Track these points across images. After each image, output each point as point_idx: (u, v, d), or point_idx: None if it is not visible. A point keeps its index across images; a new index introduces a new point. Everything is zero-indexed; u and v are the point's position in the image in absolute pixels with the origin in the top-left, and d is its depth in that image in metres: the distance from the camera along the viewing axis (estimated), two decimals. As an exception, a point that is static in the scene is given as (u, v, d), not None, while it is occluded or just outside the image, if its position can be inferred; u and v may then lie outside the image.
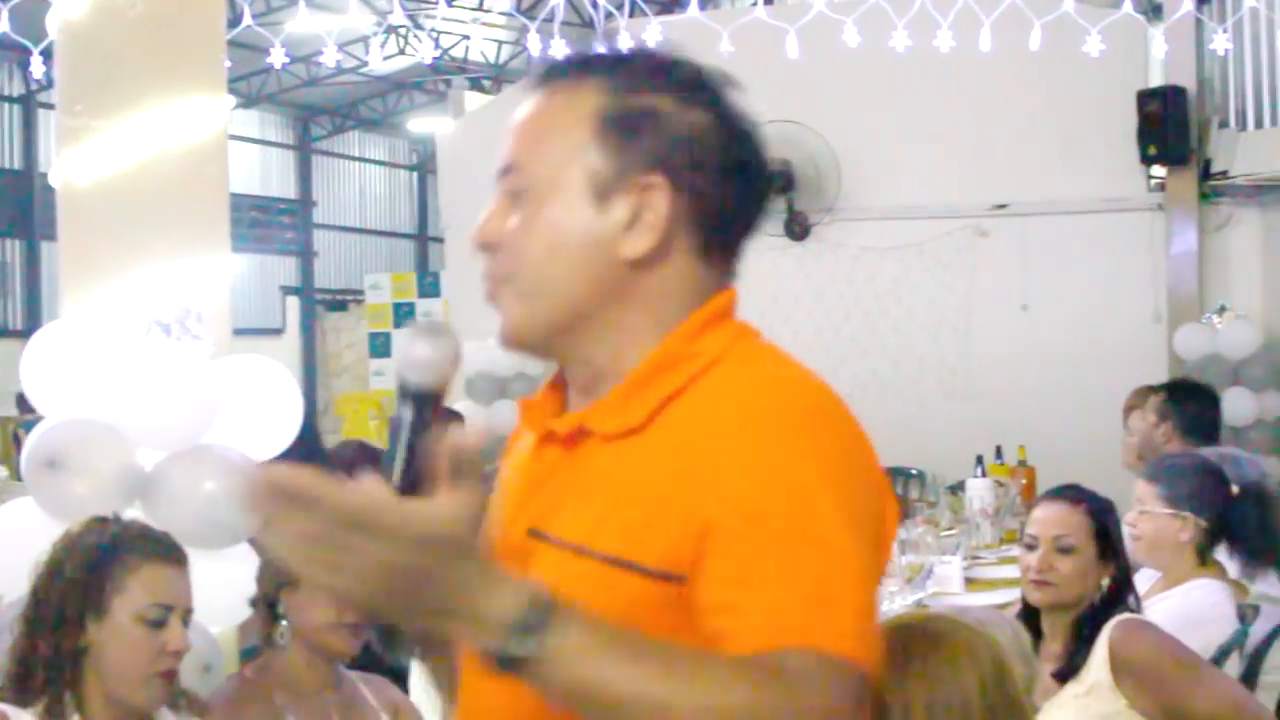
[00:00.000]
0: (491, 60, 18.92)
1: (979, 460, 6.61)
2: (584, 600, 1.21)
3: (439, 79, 20.10)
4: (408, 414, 1.34)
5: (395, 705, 3.04)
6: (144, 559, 2.58)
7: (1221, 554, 3.83)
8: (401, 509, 1.16)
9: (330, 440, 9.77)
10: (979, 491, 6.04)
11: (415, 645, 1.51)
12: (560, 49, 6.40)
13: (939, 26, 6.58)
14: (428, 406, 1.35)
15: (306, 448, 4.32)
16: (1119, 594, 3.23)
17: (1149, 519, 3.72)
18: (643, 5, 6.43)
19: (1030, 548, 3.28)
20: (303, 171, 22.59)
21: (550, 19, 6.55)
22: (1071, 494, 3.36)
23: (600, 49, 1.50)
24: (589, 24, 9.67)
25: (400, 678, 3.19)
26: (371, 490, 1.16)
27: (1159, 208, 8.64)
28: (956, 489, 6.60)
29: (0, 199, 17.47)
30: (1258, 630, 3.74)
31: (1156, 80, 8.52)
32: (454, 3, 15.74)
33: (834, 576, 1.27)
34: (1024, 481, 6.58)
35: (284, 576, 2.93)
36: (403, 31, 17.44)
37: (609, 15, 7.00)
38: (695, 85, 1.46)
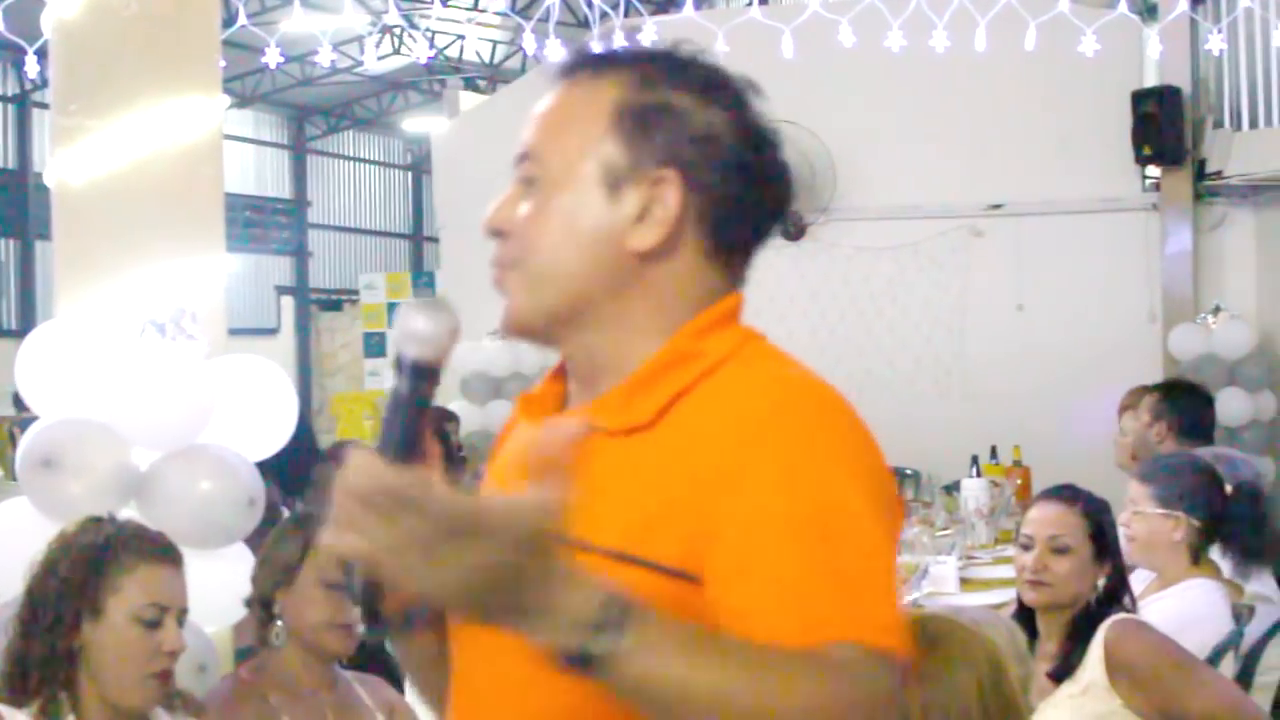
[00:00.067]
0: (486, 60, 18.90)
1: (974, 460, 6.61)
2: None
3: (434, 79, 20.09)
4: (404, 387, 1.34)
5: (391, 705, 3.04)
6: (139, 559, 2.57)
7: (1216, 554, 3.83)
8: (501, 508, 1.15)
9: (325, 440, 9.78)
10: (974, 492, 6.04)
11: (398, 623, 1.49)
12: (555, 49, 6.41)
13: (934, 27, 6.58)
14: (424, 380, 1.34)
15: (301, 448, 4.33)
16: (1114, 594, 3.24)
17: (1142, 519, 3.72)
18: (638, 5, 6.43)
19: (1026, 548, 3.29)
20: (297, 171, 22.57)
21: (545, 19, 6.55)
22: (1067, 494, 3.36)
23: (624, 45, 1.50)
24: (584, 24, 9.66)
25: (396, 678, 3.19)
26: (469, 490, 1.15)
27: (1154, 208, 8.64)
28: (951, 489, 6.60)
29: (-5, 199, 17.47)
30: (1253, 630, 3.74)
31: (1151, 80, 8.52)
32: (449, 2, 15.75)
33: (868, 569, 1.28)
34: (1019, 481, 6.58)
35: (280, 576, 2.93)
36: (398, 31, 17.44)
37: (604, 15, 7.00)
38: (716, 86, 1.46)
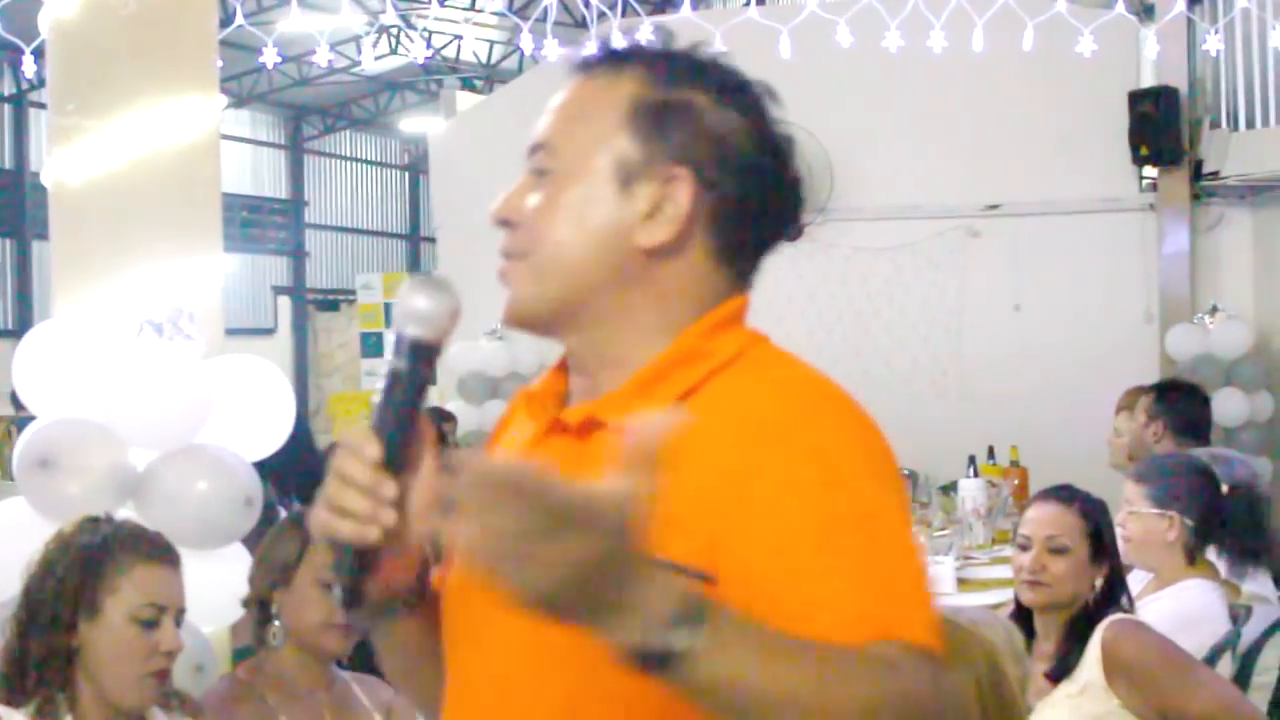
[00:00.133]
0: (484, 60, 18.90)
1: (971, 460, 6.61)
2: None
3: (431, 79, 20.09)
4: (403, 366, 1.33)
5: (388, 705, 3.03)
6: (136, 559, 2.57)
7: (1212, 554, 3.83)
8: (599, 498, 1.11)
9: (322, 441, 9.78)
10: (971, 492, 6.04)
11: (382, 608, 1.46)
12: (552, 49, 6.42)
13: (932, 27, 6.59)
14: (422, 361, 1.34)
15: (298, 448, 4.32)
16: (1112, 594, 3.24)
17: (1137, 519, 3.73)
18: (635, 5, 6.43)
19: (1023, 548, 3.29)
20: (294, 171, 22.56)
21: (543, 19, 6.55)
22: (1064, 494, 3.36)
23: (643, 41, 1.50)
24: (581, 24, 9.66)
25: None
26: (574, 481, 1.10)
27: (1151, 208, 8.64)
28: (949, 489, 6.61)
29: (-8, 199, 17.46)
30: (1250, 631, 3.74)
31: (1148, 81, 8.53)
32: (446, 2, 15.74)
33: (902, 567, 1.28)
34: (1016, 482, 6.58)
35: (277, 576, 2.93)
36: (395, 31, 17.44)
37: (601, 15, 7.00)
38: (734, 88, 1.46)
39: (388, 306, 16.59)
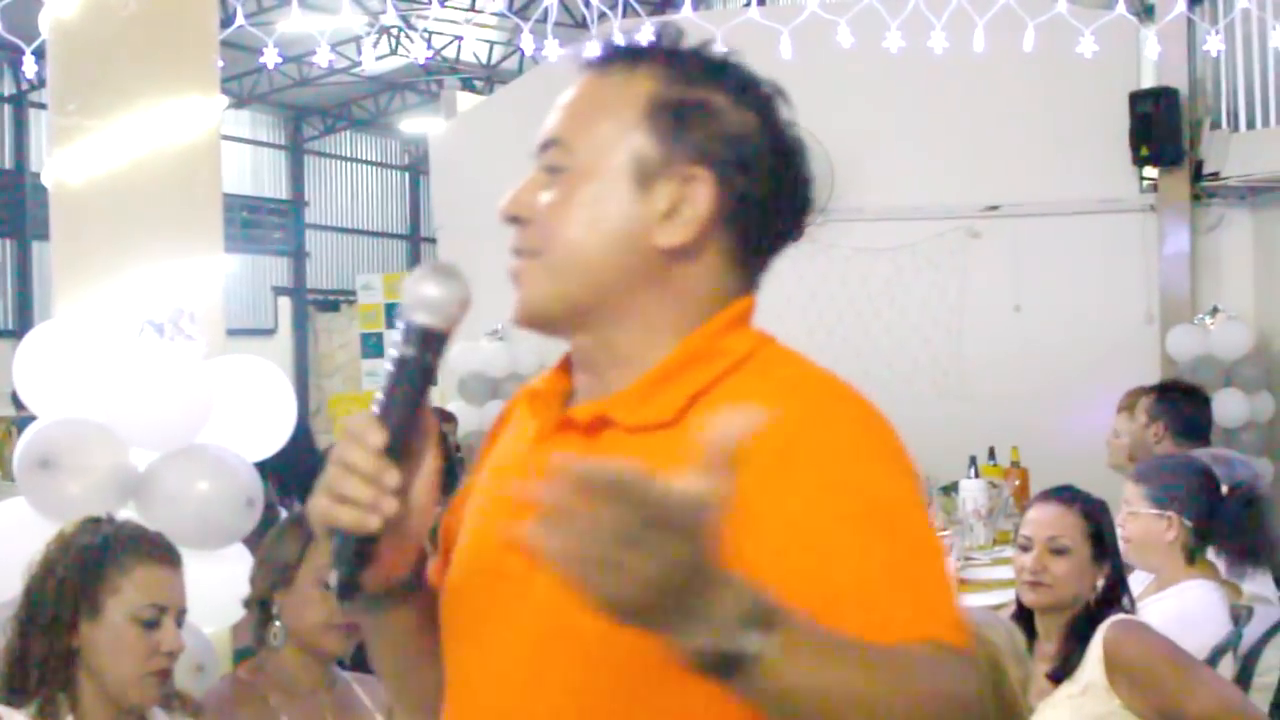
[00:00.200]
0: (484, 61, 18.90)
1: (972, 461, 6.60)
2: None
3: (431, 79, 20.08)
4: (411, 353, 1.31)
5: (390, 706, 3.03)
6: (137, 559, 2.57)
7: (1212, 554, 3.83)
8: (684, 498, 1.07)
9: (323, 441, 9.77)
10: (972, 493, 6.04)
11: (377, 596, 1.43)
12: (553, 50, 6.42)
13: (932, 28, 6.58)
14: (430, 349, 1.32)
15: (299, 448, 4.32)
16: (1113, 595, 3.24)
17: (1135, 519, 3.72)
18: (636, 6, 6.43)
19: (1024, 549, 3.29)
20: (295, 172, 22.54)
21: (543, 19, 6.55)
22: (1065, 495, 3.36)
23: (657, 39, 1.48)
24: (582, 24, 9.67)
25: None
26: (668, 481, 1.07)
27: (1151, 209, 8.65)
28: (949, 490, 6.60)
29: (-8, 199, 17.46)
30: (1251, 632, 3.74)
31: (1149, 81, 8.54)
32: (446, 3, 15.73)
33: (931, 567, 1.28)
34: (1017, 483, 6.57)
35: (278, 576, 2.92)
36: (395, 32, 17.42)
37: (602, 16, 7.00)
38: (749, 87, 1.45)
39: (388, 307, 16.58)
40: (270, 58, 6.05)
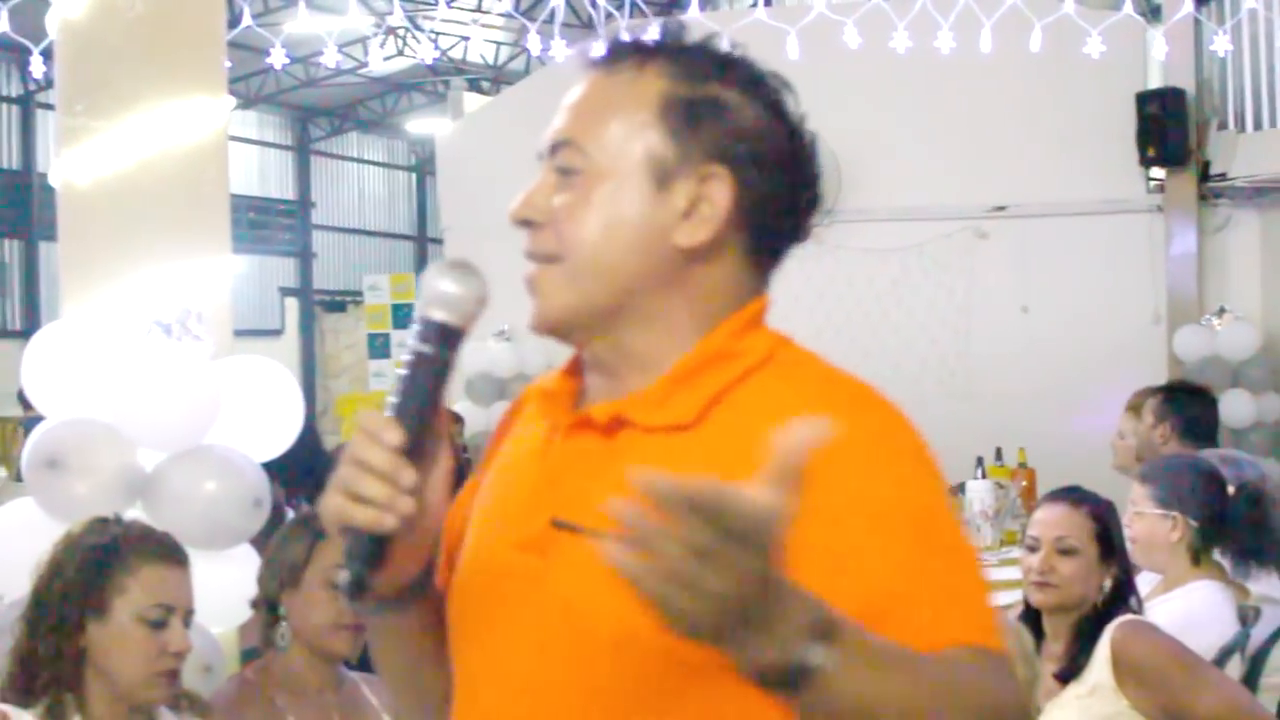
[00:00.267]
0: (491, 61, 18.91)
1: (979, 462, 6.59)
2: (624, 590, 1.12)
3: (438, 80, 20.10)
4: (428, 350, 1.30)
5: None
6: (145, 560, 2.58)
7: (1219, 555, 3.83)
8: (754, 511, 1.05)
9: (330, 442, 9.77)
10: (979, 493, 6.03)
11: (387, 597, 1.41)
12: (560, 50, 6.41)
13: (939, 28, 6.58)
14: (446, 346, 1.31)
15: (306, 449, 4.33)
16: (1121, 595, 3.23)
17: (1141, 520, 3.72)
18: (642, 6, 6.43)
19: (1032, 549, 3.28)
20: (301, 172, 22.57)
21: (550, 20, 6.55)
22: (1073, 496, 3.36)
23: (662, 35, 1.46)
24: (588, 24, 9.67)
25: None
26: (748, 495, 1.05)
27: (1158, 209, 8.64)
28: (957, 491, 6.58)
29: (-1, 199, 17.49)
30: (1259, 632, 3.74)
31: (1156, 82, 8.53)
32: (453, 4, 15.74)
33: (968, 571, 1.28)
34: (1024, 483, 6.56)
35: (285, 577, 2.93)
36: (402, 32, 17.44)
37: (609, 16, 7.00)
38: (758, 82, 1.43)
39: (395, 308, 16.60)
40: (277, 58, 6.06)
